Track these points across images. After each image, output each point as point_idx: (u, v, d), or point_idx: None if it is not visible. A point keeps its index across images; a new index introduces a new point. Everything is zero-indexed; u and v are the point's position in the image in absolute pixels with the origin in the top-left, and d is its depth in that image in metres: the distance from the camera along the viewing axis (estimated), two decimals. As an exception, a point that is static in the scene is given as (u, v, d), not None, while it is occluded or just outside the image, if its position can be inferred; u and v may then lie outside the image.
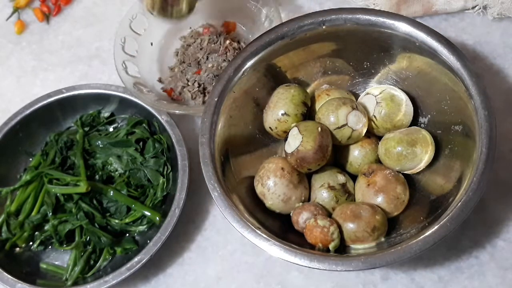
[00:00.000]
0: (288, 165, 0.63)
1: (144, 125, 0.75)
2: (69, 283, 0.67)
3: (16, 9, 0.91)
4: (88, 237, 0.68)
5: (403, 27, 0.63)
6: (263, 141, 0.69)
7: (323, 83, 0.71)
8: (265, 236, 0.57)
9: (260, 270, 0.68)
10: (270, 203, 0.63)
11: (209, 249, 0.70)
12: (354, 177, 0.66)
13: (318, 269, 0.55)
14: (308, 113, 0.66)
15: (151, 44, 0.81)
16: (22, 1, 0.91)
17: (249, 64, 0.67)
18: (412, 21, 0.63)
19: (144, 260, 0.64)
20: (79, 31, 0.89)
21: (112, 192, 0.70)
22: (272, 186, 0.62)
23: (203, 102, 0.77)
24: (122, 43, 0.77)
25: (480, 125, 0.57)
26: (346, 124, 0.63)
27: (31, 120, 0.75)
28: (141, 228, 0.69)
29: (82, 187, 0.68)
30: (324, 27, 0.66)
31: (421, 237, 0.54)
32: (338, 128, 0.63)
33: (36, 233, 0.70)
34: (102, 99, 0.76)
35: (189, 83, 0.78)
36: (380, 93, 0.66)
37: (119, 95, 0.75)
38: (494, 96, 0.60)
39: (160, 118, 0.72)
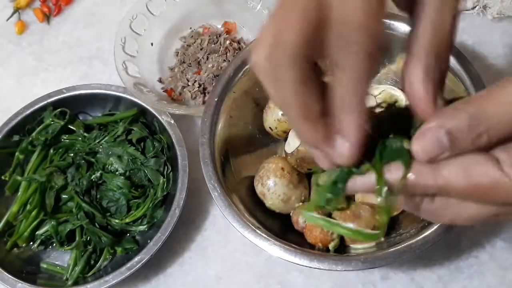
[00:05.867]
0: (288, 165, 0.63)
1: (141, 121, 0.75)
2: (69, 283, 0.67)
3: (16, 10, 0.91)
4: (89, 237, 0.69)
5: (403, 27, 0.63)
6: (263, 141, 0.69)
7: (323, 83, 0.71)
8: (265, 236, 0.57)
9: (260, 270, 0.68)
10: (270, 203, 0.63)
11: (209, 249, 0.70)
12: (354, 177, 0.66)
13: (318, 269, 0.55)
14: (308, 113, 0.66)
15: (151, 44, 0.81)
16: (23, 2, 0.91)
17: (249, 64, 0.67)
18: (412, 21, 0.63)
19: (144, 260, 0.64)
20: (79, 31, 0.89)
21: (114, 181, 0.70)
22: (272, 186, 0.62)
23: (203, 102, 0.77)
24: (122, 43, 0.77)
25: (479, 125, 0.57)
26: (346, 124, 0.63)
27: (31, 120, 0.75)
28: (141, 228, 0.70)
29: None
30: (324, 27, 0.66)
31: (420, 236, 0.54)
32: (338, 128, 0.63)
33: (37, 233, 0.70)
34: (102, 99, 0.76)
35: (189, 83, 0.78)
36: (380, 93, 0.66)
37: (119, 95, 0.75)
38: (494, 96, 0.60)
39: (160, 118, 0.72)
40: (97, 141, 0.74)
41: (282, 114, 0.65)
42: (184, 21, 0.83)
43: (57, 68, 0.86)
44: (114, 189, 0.70)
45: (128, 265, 0.64)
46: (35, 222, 0.70)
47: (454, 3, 0.34)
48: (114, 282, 0.63)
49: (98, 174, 0.71)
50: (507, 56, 0.76)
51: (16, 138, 0.74)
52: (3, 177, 0.73)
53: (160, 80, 0.80)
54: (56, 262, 0.70)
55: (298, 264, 0.55)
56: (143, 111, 0.74)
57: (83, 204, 0.69)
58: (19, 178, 0.72)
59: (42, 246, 0.71)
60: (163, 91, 0.79)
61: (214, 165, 0.62)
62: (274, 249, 0.56)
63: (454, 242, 0.65)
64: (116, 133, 0.74)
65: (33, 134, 0.74)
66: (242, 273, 0.68)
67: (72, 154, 0.74)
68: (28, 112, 0.75)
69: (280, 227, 0.62)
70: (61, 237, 0.69)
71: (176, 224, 0.65)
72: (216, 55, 0.79)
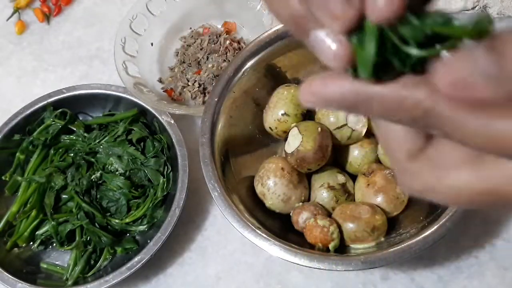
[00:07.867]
0: (288, 165, 0.63)
1: (141, 121, 0.75)
2: (69, 282, 0.67)
3: (16, 10, 0.91)
4: (89, 237, 0.69)
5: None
6: (263, 141, 0.70)
7: (323, 83, 0.71)
8: (265, 236, 0.57)
9: (260, 270, 0.68)
10: (270, 203, 0.63)
11: (209, 249, 0.70)
12: (354, 177, 0.66)
13: (318, 268, 0.55)
14: (308, 113, 0.66)
15: (152, 44, 0.81)
16: (23, 2, 0.91)
17: (249, 64, 0.67)
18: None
19: (145, 260, 0.64)
20: (79, 31, 0.89)
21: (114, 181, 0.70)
22: (272, 186, 0.62)
23: (203, 102, 0.77)
24: (122, 43, 0.77)
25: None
26: (346, 124, 0.63)
27: (31, 120, 0.75)
28: (141, 228, 0.70)
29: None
30: (324, 27, 0.66)
31: (420, 236, 0.54)
32: (338, 128, 0.63)
33: (37, 233, 0.70)
34: (102, 99, 0.76)
35: (189, 83, 0.78)
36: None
37: (119, 95, 0.75)
38: (494, 96, 0.60)
39: (160, 118, 0.72)
40: (97, 141, 0.74)
41: (282, 114, 0.65)
42: (184, 21, 0.83)
43: (57, 68, 0.86)
44: (114, 189, 0.71)
45: (128, 265, 0.64)
46: (35, 222, 0.70)
47: None
48: (114, 282, 0.63)
49: (98, 174, 0.71)
50: (507, 56, 0.75)
51: (16, 137, 0.74)
52: (3, 178, 0.73)
53: (160, 80, 0.80)
54: (56, 262, 0.70)
55: (298, 264, 0.55)
56: (143, 111, 0.74)
57: (83, 204, 0.69)
58: (19, 178, 0.72)
59: (42, 246, 0.71)
60: (163, 91, 0.79)
61: (214, 165, 0.62)
62: (274, 249, 0.56)
63: (454, 242, 0.65)
64: (116, 133, 0.74)
65: (34, 134, 0.74)
66: (242, 273, 0.68)
67: (72, 154, 0.74)
68: (28, 112, 0.75)
69: (280, 227, 0.63)
70: (61, 237, 0.69)
71: (176, 224, 0.65)
72: (216, 55, 0.79)
